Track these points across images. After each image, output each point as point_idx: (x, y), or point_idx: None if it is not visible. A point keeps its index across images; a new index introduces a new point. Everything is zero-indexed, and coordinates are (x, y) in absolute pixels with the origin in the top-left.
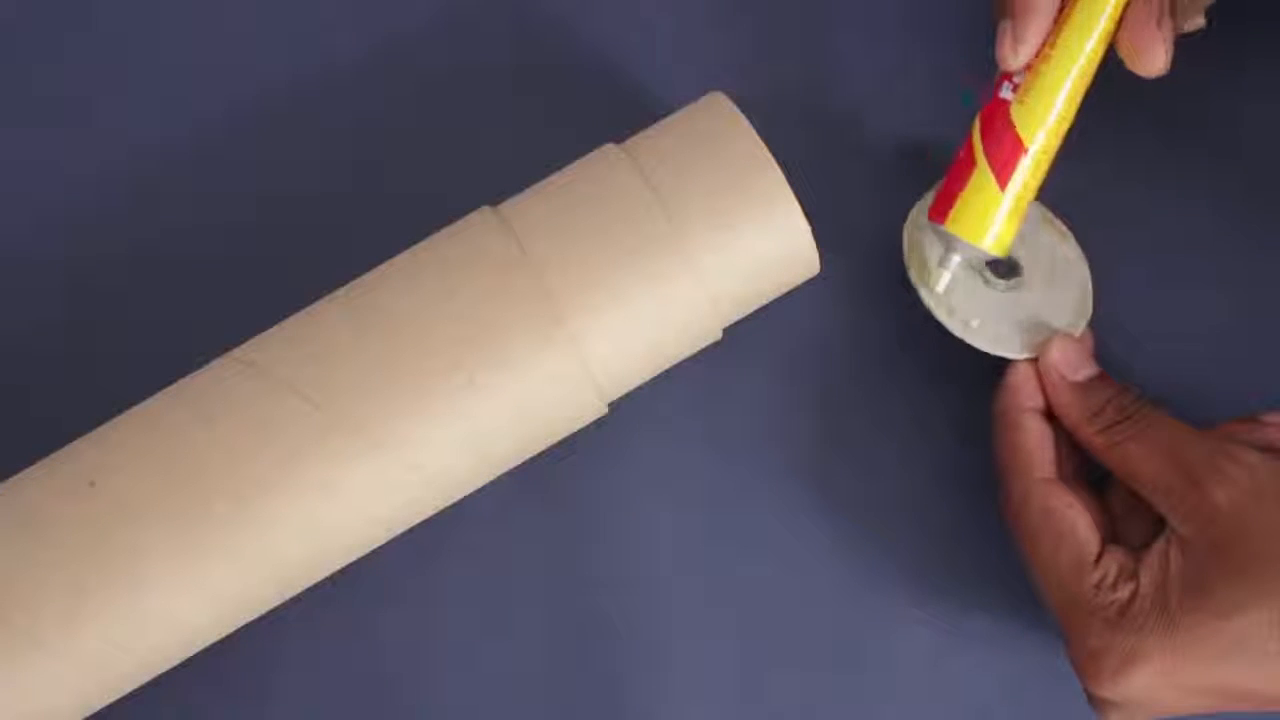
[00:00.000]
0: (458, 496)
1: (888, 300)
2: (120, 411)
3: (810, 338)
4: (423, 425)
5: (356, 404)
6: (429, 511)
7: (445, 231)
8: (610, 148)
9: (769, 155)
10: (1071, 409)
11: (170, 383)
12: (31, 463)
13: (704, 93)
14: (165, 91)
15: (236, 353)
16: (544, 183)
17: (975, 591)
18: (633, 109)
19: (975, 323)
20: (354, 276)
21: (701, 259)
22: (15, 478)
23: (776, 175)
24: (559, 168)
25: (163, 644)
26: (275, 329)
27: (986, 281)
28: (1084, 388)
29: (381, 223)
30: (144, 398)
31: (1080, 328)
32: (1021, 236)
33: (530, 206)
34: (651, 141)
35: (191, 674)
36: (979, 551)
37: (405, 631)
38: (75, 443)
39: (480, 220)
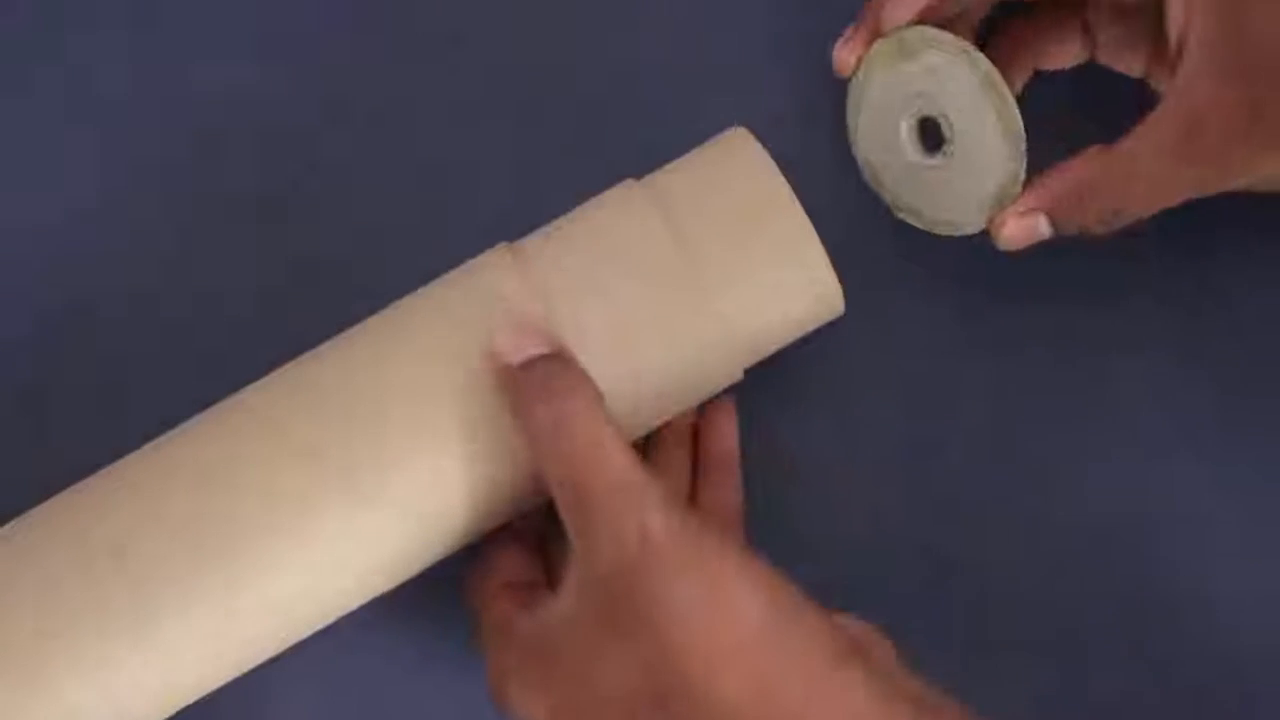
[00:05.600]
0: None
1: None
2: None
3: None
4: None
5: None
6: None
7: (461, 278)
8: (632, 189)
9: (793, 197)
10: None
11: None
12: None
13: (722, 112)
14: (167, 90)
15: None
16: (563, 225)
17: None
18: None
19: (905, 200)
20: (372, 310)
21: (724, 313)
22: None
23: (802, 220)
24: (576, 188)
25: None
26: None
27: (914, 159)
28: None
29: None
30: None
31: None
32: (957, 104)
33: (549, 253)
34: (674, 182)
35: None
36: None
37: None
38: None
39: (495, 267)
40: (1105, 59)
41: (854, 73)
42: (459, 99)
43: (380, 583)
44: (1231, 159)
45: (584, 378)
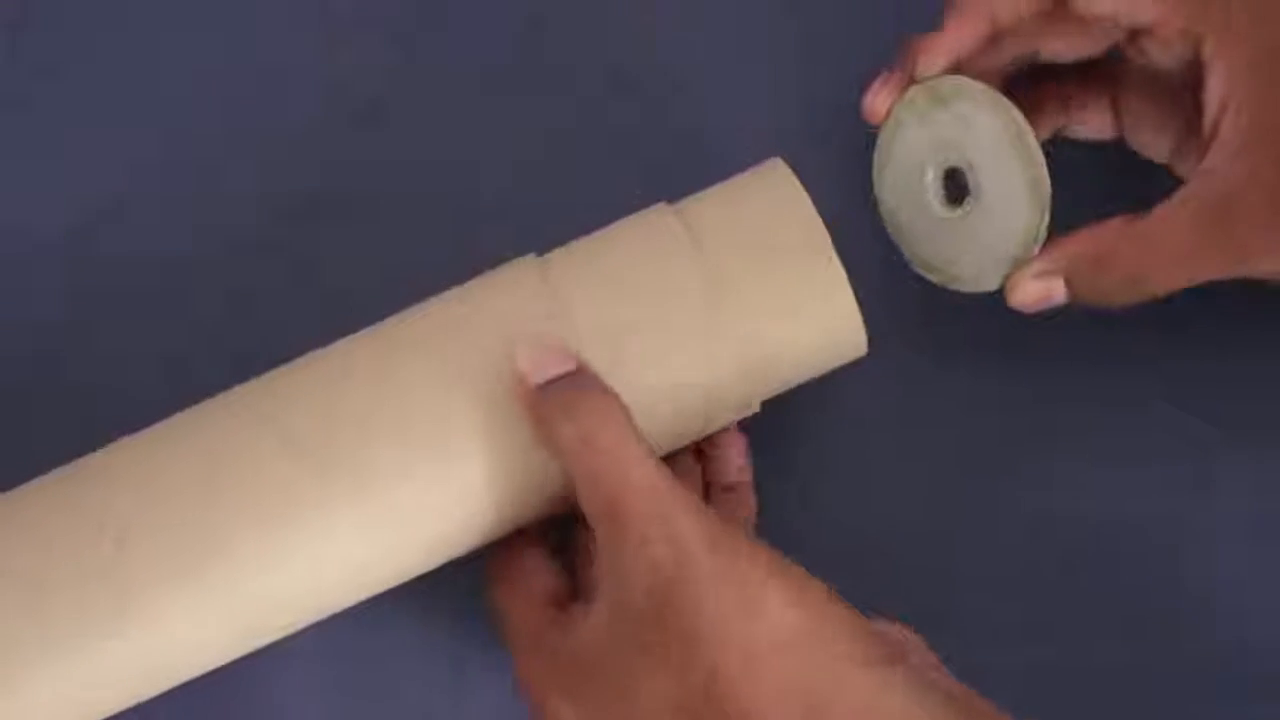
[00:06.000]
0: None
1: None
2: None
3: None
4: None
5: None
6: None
7: (486, 289)
8: (665, 215)
9: (826, 236)
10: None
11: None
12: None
13: (759, 138)
14: (167, 93)
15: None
16: (592, 244)
17: None
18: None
19: (924, 254)
20: (385, 314)
21: (746, 346)
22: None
23: (832, 259)
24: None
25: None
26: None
27: (937, 210)
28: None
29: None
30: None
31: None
32: (984, 154)
33: (574, 272)
34: (707, 211)
35: None
36: None
37: None
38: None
39: (521, 281)
40: (1131, 138)
41: (884, 121)
42: (462, 97)
43: (393, 578)
44: (1260, 244)
45: (608, 394)
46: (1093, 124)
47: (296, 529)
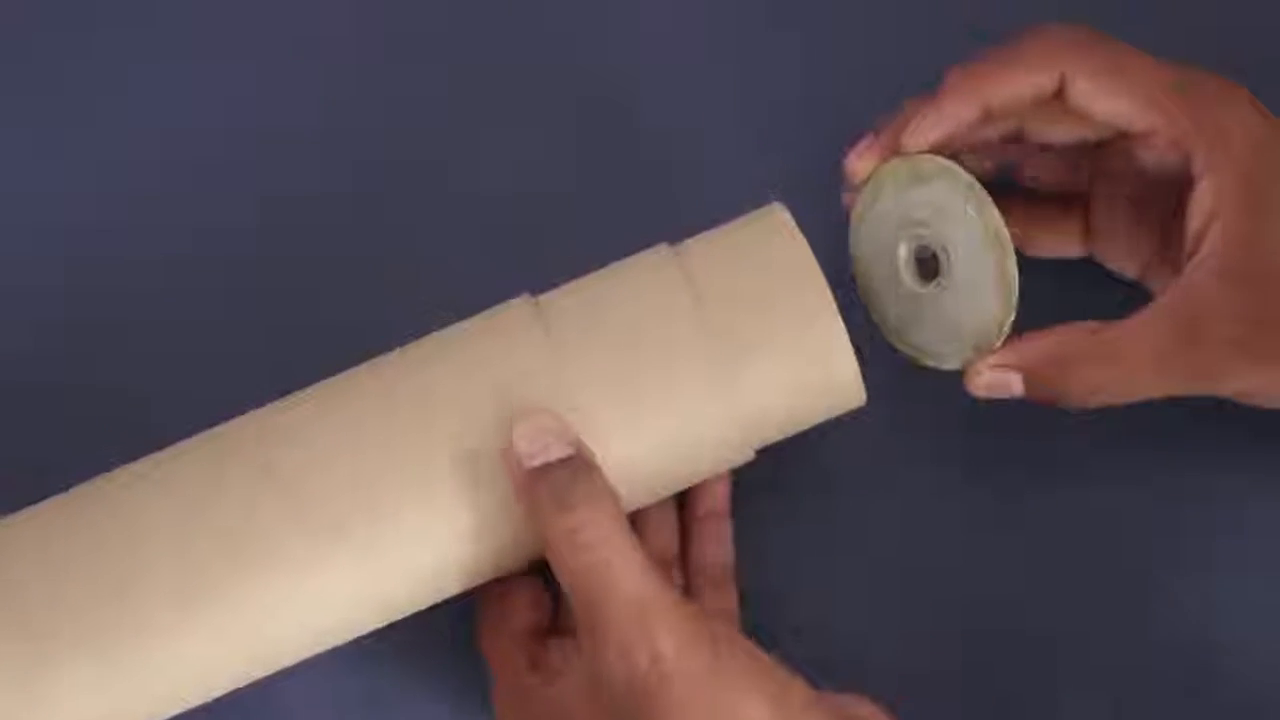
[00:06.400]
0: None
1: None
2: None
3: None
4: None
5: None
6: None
7: (481, 335)
8: (664, 259)
9: (825, 287)
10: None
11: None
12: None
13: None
14: (168, 97)
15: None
16: (589, 289)
17: None
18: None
19: (891, 321)
20: (383, 349)
21: (743, 396)
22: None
23: (832, 311)
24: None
25: None
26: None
27: (906, 283)
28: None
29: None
30: None
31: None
32: (959, 244)
33: (570, 320)
34: (706, 257)
35: None
36: None
37: None
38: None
39: (517, 329)
40: (1104, 256)
41: (863, 184)
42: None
43: (370, 622)
44: (1227, 366)
45: (600, 487)
46: (1061, 244)
47: (281, 575)
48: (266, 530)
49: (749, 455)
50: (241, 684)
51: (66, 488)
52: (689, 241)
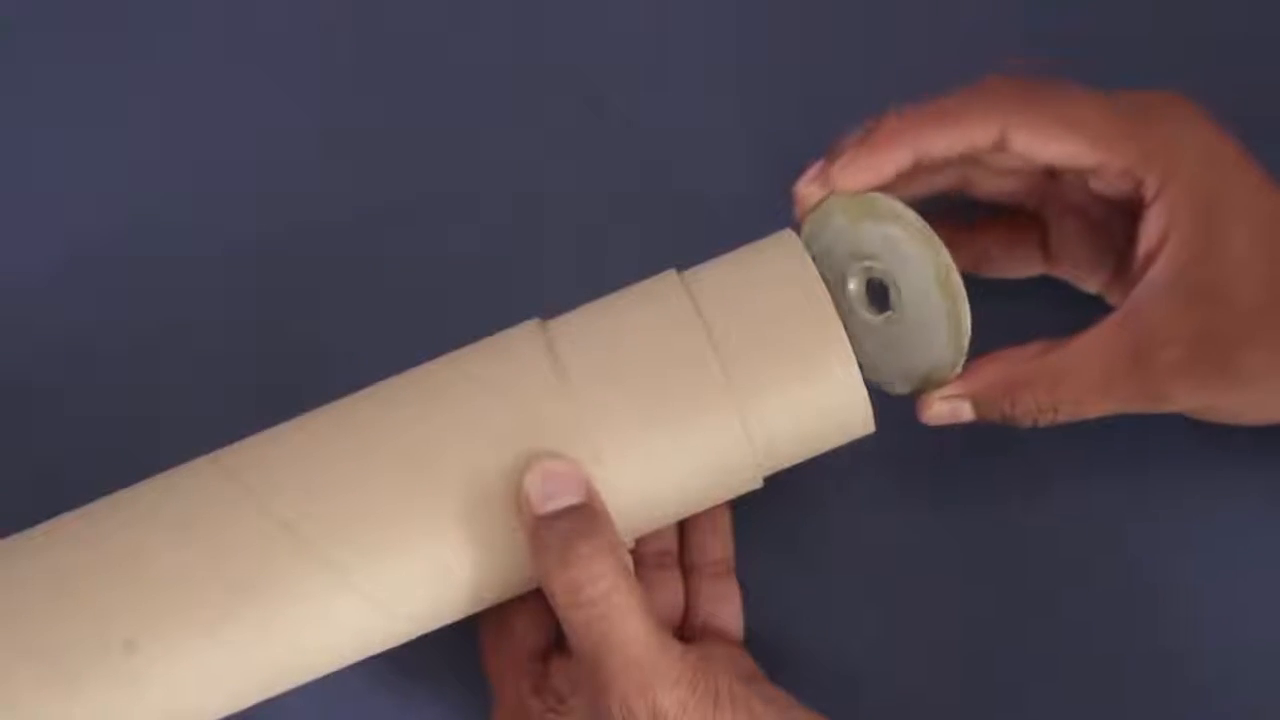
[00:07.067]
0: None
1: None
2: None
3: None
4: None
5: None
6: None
7: (487, 349)
8: (673, 287)
9: (834, 314)
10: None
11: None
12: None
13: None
14: (168, 98)
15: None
16: (599, 316)
17: None
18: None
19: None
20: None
21: (753, 424)
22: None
23: (841, 337)
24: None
25: None
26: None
27: (858, 311)
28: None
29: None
30: None
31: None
32: (910, 284)
33: (580, 349)
34: (716, 283)
35: None
36: None
37: None
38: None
39: (527, 354)
40: (1064, 275)
41: (813, 210)
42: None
43: (371, 651)
44: (1175, 385)
45: (607, 540)
46: (1018, 265)
47: (286, 610)
48: (277, 574)
49: (758, 483)
50: (240, 709)
51: (67, 487)
52: (699, 269)
